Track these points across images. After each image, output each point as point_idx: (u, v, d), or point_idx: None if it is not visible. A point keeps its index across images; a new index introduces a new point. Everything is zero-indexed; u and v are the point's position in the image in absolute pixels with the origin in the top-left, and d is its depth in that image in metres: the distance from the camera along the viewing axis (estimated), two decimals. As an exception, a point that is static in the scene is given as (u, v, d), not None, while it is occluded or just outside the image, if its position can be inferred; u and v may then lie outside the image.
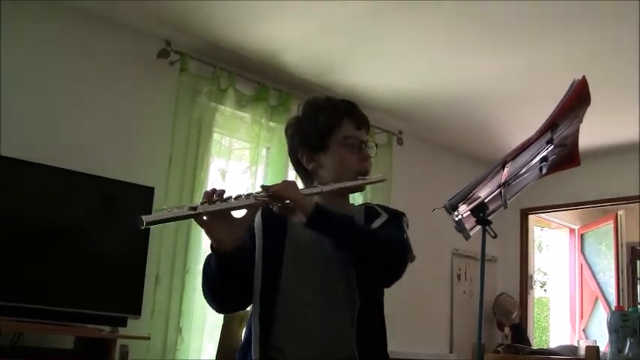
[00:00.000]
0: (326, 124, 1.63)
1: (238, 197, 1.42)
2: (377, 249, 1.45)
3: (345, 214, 1.47)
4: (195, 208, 1.35)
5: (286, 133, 1.72)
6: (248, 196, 1.42)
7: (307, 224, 1.41)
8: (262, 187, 1.44)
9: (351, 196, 1.74)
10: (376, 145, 1.72)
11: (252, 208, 1.46)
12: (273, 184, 1.45)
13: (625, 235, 5.95)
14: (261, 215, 1.60)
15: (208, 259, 1.49)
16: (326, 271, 1.52)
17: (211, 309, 1.62)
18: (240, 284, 1.53)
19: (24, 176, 2.80)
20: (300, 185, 1.64)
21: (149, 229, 2.93)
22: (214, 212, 1.39)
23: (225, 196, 1.41)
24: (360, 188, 1.70)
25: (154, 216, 1.33)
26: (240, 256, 1.47)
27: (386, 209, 1.65)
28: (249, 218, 1.48)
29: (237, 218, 1.45)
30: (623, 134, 4.72)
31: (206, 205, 1.38)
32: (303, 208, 1.40)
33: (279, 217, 1.47)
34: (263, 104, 3.84)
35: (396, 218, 1.63)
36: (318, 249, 1.48)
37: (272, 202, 1.43)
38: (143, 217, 1.30)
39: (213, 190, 1.41)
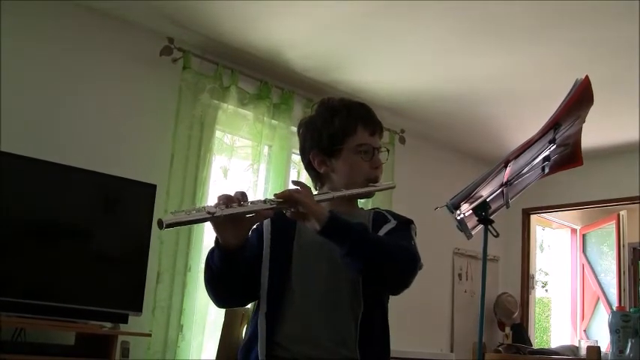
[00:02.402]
0: (340, 130, 1.62)
1: (254, 202, 1.43)
2: (388, 260, 1.46)
3: (358, 223, 1.47)
4: (213, 213, 1.36)
5: (298, 132, 1.72)
6: (264, 201, 1.43)
7: (321, 232, 1.41)
8: (276, 194, 1.44)
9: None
10: (388, 151, 1.72)
11: (267, 212, 1.46)
12: (286, 189, 1.46)
13: (627, 235, 5.95)
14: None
15: (211, 252, 1.50)
16: (332, 274, 1.53)
17: (213, 307, 1.63)
18: (242, 281, 1.54)
19: (26, 173, 2.80)
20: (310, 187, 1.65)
21: (151, 225, 2.98)
22: (230, 215, 1.40)
23: (247, 199, 1.42)
24: (369, 194, 1.71)
25: (173, 218, 1.34)
26: (242, 254, 1.49)
27: (395, 216, 1.65)
28: (256, 220, 1.48)
29: (246, 218, 1.46)
30: (625, 134, 4.71)
31: (223, 208, 1.39)
32: (316, 215, 1.40)
33: (288, 218, 1.47)
34: (265, 102, 3.84)
35: (405, 226, 1.62)
36: (325, 251, 1.49)
37: (286, 207, 1.43)
38: (163, 220, 1.31)
39: (231, 198, 1.41)
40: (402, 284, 1.49)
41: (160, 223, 1.31)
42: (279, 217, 1.53)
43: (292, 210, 1.42)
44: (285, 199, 1.42)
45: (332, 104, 1.68)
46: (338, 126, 1.62)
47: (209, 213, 1.36)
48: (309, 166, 1.68)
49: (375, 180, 1.65)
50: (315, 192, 1.64)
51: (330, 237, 1.42)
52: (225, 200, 1.40)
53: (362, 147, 1.62)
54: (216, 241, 1.47)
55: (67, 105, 3.22)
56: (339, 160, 1.62)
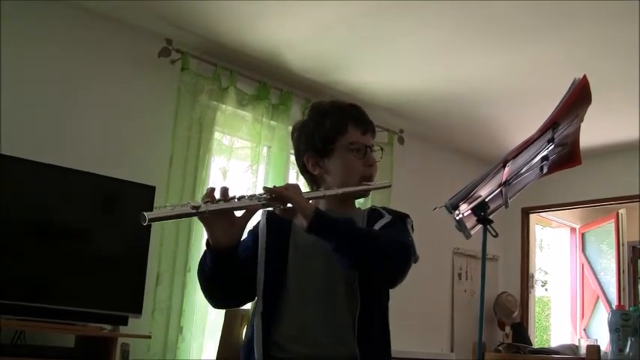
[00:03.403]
0: (331, 130, 1.63)
1: (241, 198, 1.43)
2: (377, 252, 1.45)
3: (346, 218, 1.47)
4: (197, 207, 1.35)
5: (292, 136, 1.73)
6: (251, 197, 1.43)
7: (308, 229, 1.41)
8: (265, 188, 1.44)
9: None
10: (382, 149, 1.72)
11: (253, 210, 1.46)
12: (275, 186, 1.46)
13: (626, 234, 5.95)
14: (266, 216, 1.61)
15: (204, 255, 1.51)
16: (328, 272, 1.53)
17: (212, 308, 1.63)
18: (236, 282, 1.54)
19: (25, 175, 2.80)
20: (306, 189, 1.65)
21: (151, 226, 2.97)
22: (216, 211, 1.40)
23: (228, 195, 1.42)
24: (364, 193, 1.71)
25: (157, 213, 1.34)
26: (235, 254, 1.49)
27: (389, 211, 1.65)
28: (247, 219, 1.49)
29: (236, 218, 1.47)
30: (624, 133, 4.71)
31: (209, 204, 1.39)
32: (303, 212, 1.41)
33: (283, 217, 1.47)
34: (264, 103, 3.84)
35: (400, 220, 1.63)
36: (320, 250, 1.49)
37: (274, 204, 1.43)
38: (145, 214, 1.31)
39: (215, 190, 1.42)
40: (395, 276, 1.49)
41: (143, 218, 1.30)
42: (274, 217, 1.53)
43: (281, 207, 1.43)
44: (273, 194, 1.42)
45: (323, 107, 1.70)
46: (329, 126, 1.63)
47: (194, 208, 1.35)
48: (303, 169, 1.69)
49: (369, 178, 1.65)
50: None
51: (317, 233, 1.43)
52: (210, 196, 1.40)
53: (354, 145, 1.63)
54: (207, 243, 1.48)
55: (66, 106, 3.21)
56: (332, 160, 1.63)
